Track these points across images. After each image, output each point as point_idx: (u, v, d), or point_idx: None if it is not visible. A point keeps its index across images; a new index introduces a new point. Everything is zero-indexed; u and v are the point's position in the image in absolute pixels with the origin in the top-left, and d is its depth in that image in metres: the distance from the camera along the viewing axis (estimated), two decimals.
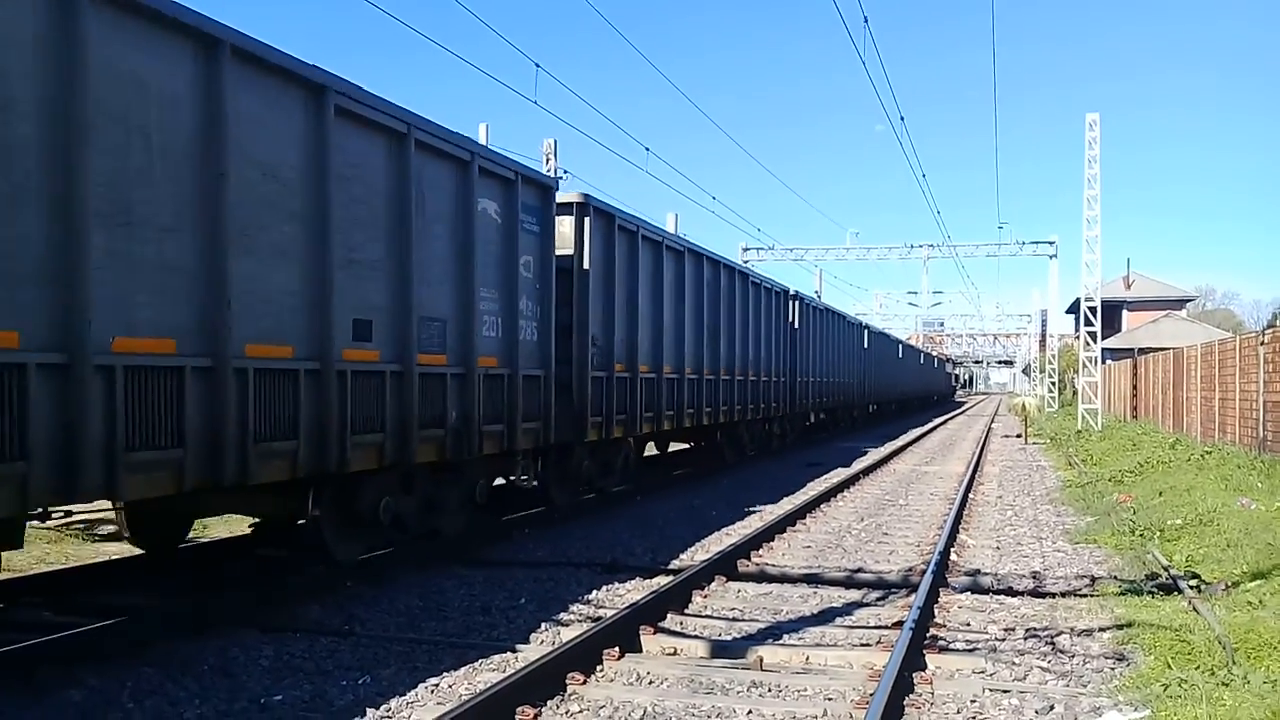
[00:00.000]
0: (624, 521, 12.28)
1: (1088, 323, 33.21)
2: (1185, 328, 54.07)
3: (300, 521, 8.20)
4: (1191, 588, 7.87)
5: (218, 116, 6.36)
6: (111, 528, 10.56)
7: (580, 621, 7.25)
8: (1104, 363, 36.89)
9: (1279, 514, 10.66)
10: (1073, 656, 6.43)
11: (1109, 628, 7.03)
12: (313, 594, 7.81)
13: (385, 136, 8.10)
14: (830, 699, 5.57)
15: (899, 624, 6.87)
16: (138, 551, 8.71)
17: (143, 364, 5.86)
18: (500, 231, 9.94)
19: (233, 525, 10.63)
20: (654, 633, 6.71)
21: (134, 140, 5.84)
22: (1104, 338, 36.05)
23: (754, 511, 13.35)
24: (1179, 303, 64.93)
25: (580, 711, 5.39)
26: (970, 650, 6.53)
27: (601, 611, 7.54)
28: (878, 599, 8.13)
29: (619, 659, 6.15)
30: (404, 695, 5.62)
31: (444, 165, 8.96)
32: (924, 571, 8.48)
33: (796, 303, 23.85)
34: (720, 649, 6.52)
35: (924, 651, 6.32)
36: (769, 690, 5.71)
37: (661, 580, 8.49)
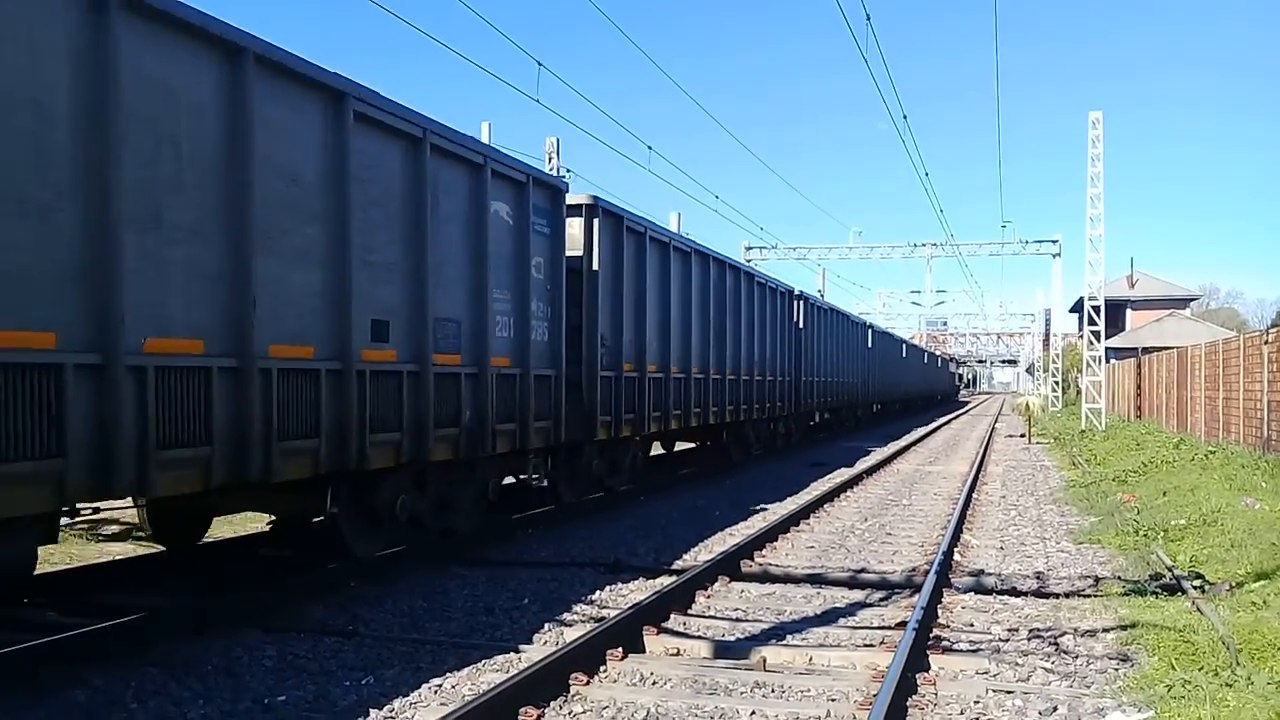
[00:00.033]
0: (628, 521, 12.30)
1: (1091, 322, 33.17)
2: (1189, 327, 53.97)
3: (317, 519, 8.33)
4: (1195, 588, 7.88)
5: (242, 122, 6.49)
6: (116, 528, 10.67)
7: (583, 622, 7.25)
8: (1108, 362, 36.89)
9: None
10: (1076, 657, 6.46)
11: (1113, 628, 7.05)
12: (316, 594, 7.82)
13: (401, 140, 8.23)
14: (834, 700, 5.58)
15: (902, 624, 6.88)
16: (142, 551, 8.80)
17: (173, 364, 6.01)
18: (512, 233, 10.07)
19: (236, 526, 10.72)
20: (657, 633, 6.70)
21: (163, 145, 5.99)
22: (1108, 337, 36.08)
23: (758, 511, 13.38)
24: (1183, 302, 64.86)
25: (583, 712, 5.40)
26: (974, 651, 6.55)
27: (605, 612, 7.54)
28: (881, 599, 8.15)
29: (622, 659, 6.14)
30: (407, 696, 5.61)
31: (458, 168, 9.09)
32: (927, 572, 8.51)
33: (801, 303, 23.91)
34: (723, 649, 6.51)
35: (927, 652, 6.34)
36: (772, 691, 5.71)
37: (665, 580, 8.51)
